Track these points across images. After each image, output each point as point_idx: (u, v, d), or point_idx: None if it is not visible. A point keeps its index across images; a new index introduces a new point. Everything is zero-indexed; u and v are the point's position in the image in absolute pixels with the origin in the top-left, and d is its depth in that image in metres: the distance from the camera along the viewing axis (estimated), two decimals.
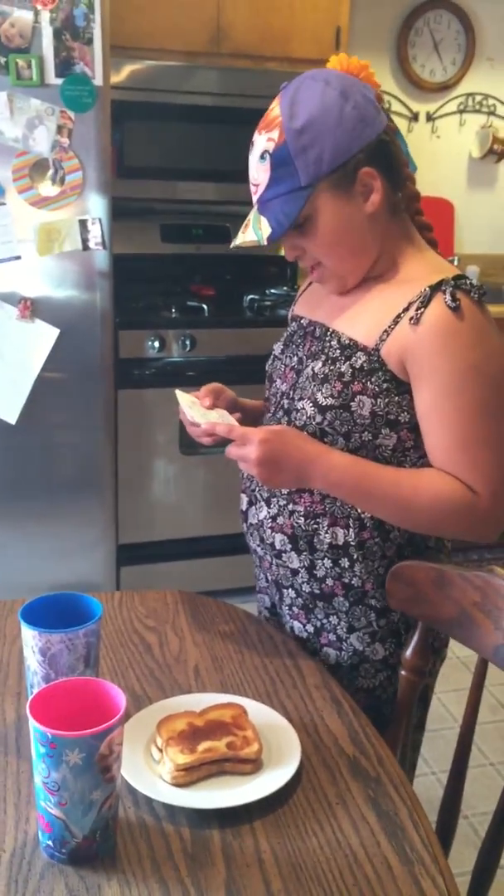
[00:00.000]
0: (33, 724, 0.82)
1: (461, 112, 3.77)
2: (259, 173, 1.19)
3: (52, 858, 0.86)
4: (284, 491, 1.27)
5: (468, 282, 1.16)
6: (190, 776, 0.95)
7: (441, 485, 1.16)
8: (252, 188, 1.21)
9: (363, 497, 1.18)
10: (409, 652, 1.23)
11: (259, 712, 1.06)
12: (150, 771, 0.97)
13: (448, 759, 1.24)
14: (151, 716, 1.05)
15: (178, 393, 1.29)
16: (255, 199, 1.21)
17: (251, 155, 1.20)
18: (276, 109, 1.17)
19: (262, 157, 1.17)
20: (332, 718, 1.10)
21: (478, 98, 3.77)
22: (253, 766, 0.97)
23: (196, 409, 1.26)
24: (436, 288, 1.15)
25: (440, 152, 3.78)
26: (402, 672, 1.24)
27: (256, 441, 1.14)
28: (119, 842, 0.88)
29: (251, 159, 1.20)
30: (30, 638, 1.00)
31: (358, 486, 1.17)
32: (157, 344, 2.78)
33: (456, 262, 3.66)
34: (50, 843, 0.85)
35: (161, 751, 0.98)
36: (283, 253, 1.29)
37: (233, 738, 0.99)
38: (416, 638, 1.23)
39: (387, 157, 1.19)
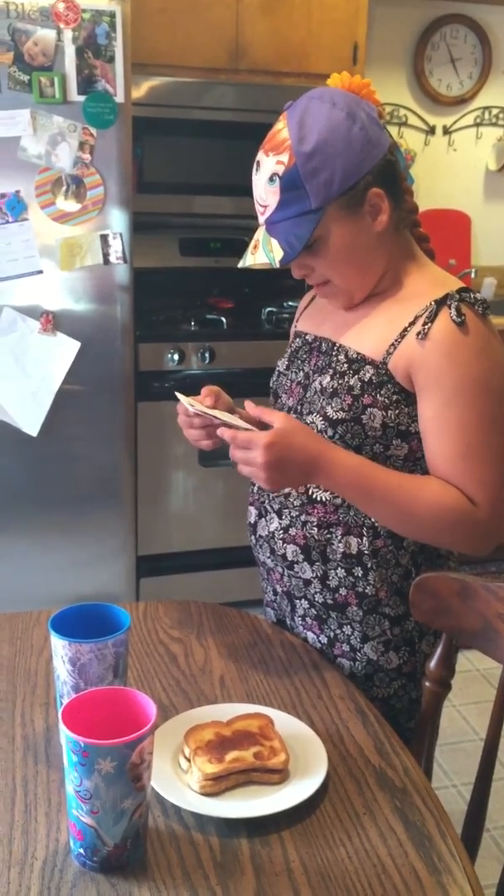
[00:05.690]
0: (65, 733, 0.83)
1: (478, 125, 3.78)
2: (268, 195, 1.18)
3: (84, 866, 0.87)
4: (297, 503, 1.27)
5: (472, 295, 1.18)
6: (218, 785, 0.96)
7: (443, 493, 1.17)
8: (259, 208, 1.21)
9: (365, 498, 1.17)
10: (432, 663, 1.24)
11: (285, 722, 1.07)
12: (178, 780, 0.98)
13: (469, 772, 1.24)
14: (178, 726, 1.06)
15: (179, 395, 1.26)
16: (262, 219, 1.21)
17: (257, 175, 1.20)
18: (283, 132, 1.17)
19: (272, 179, 1.17)
20: (357, 729, 1.11)
21: (494, 111, 3.78)
22: (280, 776, 0.98)
23: (199, 408, 1.25)
24: (441, 302, 1.17)
25: (457, 165, 3.79)
26: (427, 683, 1.24)
27: (262, 446, 1.09)
28: (149, 850, 0.89)
29: (257, 180, 1.20)
30: (60, 648, 1.01)
31: (360, 487, 1.16)
32: (176, 357, 2.80)
33: (473, 275, 3.67)
34: (82, 851, 0.86)
35: (189, 760, 0.99)
36: None
37: (260, 749, 1.00)
38: (439, 649, 1.24)
39: (392, 176, 1.21)
